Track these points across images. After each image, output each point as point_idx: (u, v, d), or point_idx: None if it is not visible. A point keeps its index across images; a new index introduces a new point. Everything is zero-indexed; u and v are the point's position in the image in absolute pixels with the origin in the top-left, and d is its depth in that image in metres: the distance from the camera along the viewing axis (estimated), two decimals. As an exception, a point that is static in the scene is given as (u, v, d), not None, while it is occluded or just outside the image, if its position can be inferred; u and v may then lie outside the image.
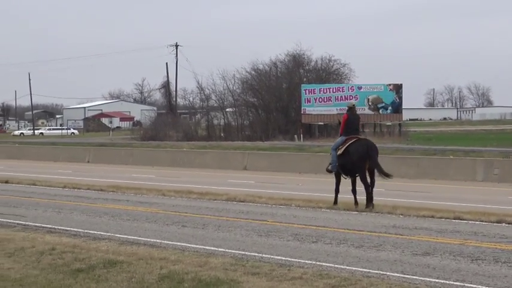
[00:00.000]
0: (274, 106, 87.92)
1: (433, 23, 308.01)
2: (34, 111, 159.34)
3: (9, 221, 18.20)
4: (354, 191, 20.46)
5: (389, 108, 79.00)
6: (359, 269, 11.90)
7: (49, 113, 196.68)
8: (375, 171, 20.18)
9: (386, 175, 20.12)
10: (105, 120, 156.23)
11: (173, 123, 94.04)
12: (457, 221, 17.69)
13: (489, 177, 31.43)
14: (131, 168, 41.35)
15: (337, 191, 20.73)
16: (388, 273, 11.56)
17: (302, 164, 38.06)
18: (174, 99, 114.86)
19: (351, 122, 20.73)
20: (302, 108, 79.82)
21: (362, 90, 79.03)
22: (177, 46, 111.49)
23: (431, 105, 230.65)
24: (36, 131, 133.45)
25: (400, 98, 79.57)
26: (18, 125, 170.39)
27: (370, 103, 78.37)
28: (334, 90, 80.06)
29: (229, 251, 13.63)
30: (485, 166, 32.53)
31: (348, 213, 19.30)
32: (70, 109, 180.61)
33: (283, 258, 12.85)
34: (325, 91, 79.97)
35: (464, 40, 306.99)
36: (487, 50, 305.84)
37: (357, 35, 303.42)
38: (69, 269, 12.10)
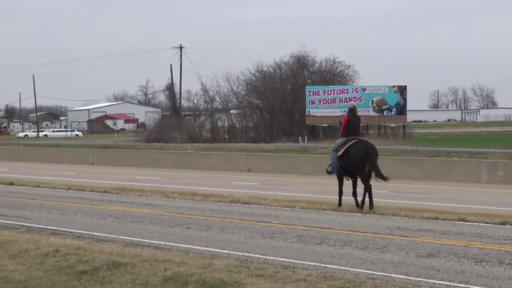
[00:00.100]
0: (279, 108, 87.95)
1: (437, 24, 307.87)
2: (38, 113, 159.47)
3: (13, 222, 18.21)
4: (354, 194, 20.53)
5: (394, 109, 78.96)
6: (363, 270, 11.89)
7: (53, 115, 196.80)
8: (372, 173, 20.18)
9: (383, 178, 20.09)
10: (109, 122, 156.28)
11: (177, 125, 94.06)
12: (461, 222, 17.68)
13: (493, 178, 31.40)
14: (135, 170, 41.36)
15: (340, 193, 20.76)
16: (392, 275, 11.55)
17: (306, 165, 38.04)
18: (178, 101, 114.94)
19: (351, 124, 20.75)
20: (306, 110, 79.79)
21: (366, 91, 79.01)
22: (181, 48, 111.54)
23: (435, 106, 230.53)
24: (40, 133, 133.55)
25: (405, 99, 79.56)
26: (23, 127, 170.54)
27: (374, 105, 78.34)
28: (339, 92, 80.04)
29: (234, 252, 13.62)
30: (490, 168, 32.50)
31: (352, 215, 19.29)
32: (74, 111, 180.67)
33: (288, 260, 12.84)
34: (329, 93, 79.96)
35: (468, 41, 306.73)
36: (491, 52, 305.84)
37: (361, 36, 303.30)
38: (73, 271, 12.10)
